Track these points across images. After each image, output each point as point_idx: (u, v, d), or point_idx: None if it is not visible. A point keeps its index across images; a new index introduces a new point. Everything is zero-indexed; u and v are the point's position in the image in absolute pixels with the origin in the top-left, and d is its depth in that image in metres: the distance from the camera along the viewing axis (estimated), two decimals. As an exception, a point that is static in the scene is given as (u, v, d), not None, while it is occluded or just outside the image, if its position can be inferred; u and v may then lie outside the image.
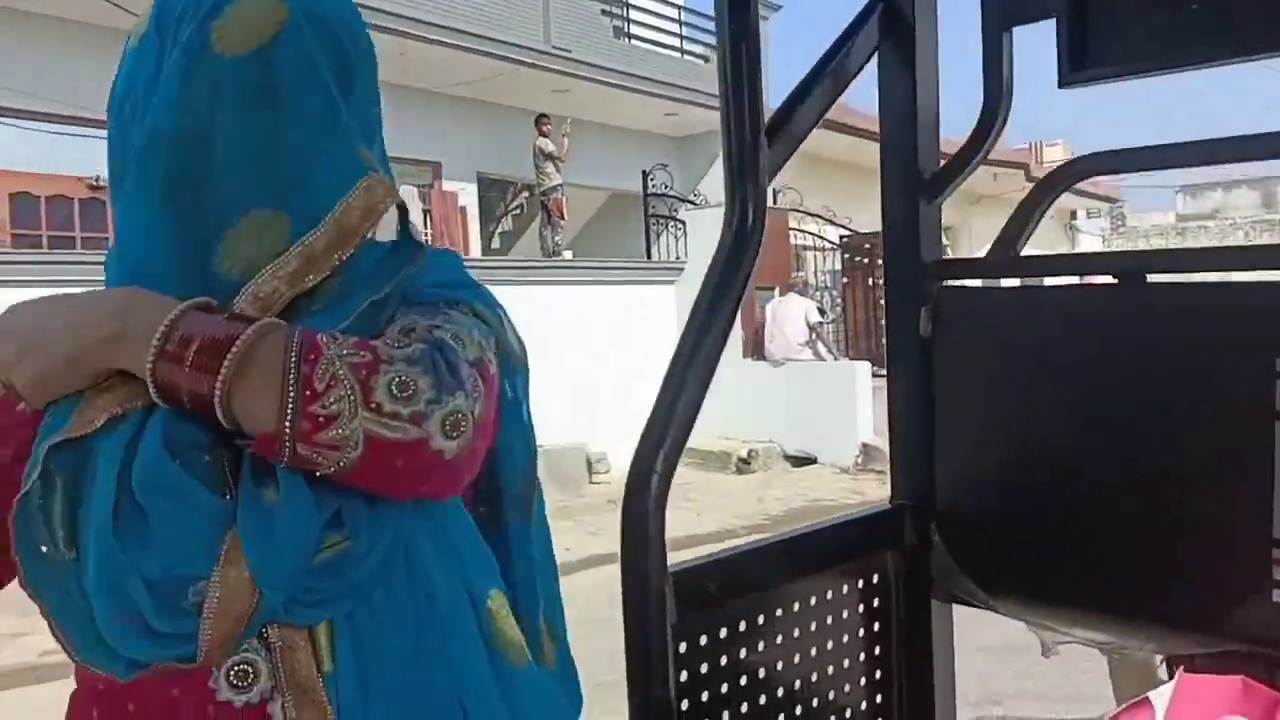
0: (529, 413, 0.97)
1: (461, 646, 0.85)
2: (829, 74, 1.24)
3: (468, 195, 12.54)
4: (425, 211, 11.59)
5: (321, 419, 0.74)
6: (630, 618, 1.04)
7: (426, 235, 11.36)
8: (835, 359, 11.68)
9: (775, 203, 13.02)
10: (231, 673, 0.79)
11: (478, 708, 0.85)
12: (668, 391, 1.06)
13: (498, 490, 0.94)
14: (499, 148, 12.60)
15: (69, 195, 9.45)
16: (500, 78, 11.44)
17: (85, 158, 8.35)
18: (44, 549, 0.77)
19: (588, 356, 10.43)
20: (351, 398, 0.74)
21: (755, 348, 11.38)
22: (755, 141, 1.11)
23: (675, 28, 14.32)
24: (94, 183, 9.26)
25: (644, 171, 12.93)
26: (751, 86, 1.08)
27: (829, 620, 1.27)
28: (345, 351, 0.76)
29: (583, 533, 7.93)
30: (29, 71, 8.54)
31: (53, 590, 0.77)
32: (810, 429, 10.56)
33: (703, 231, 11.55)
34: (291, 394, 0.74)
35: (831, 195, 13.78)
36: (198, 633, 0.76)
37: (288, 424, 0.74)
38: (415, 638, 0.83)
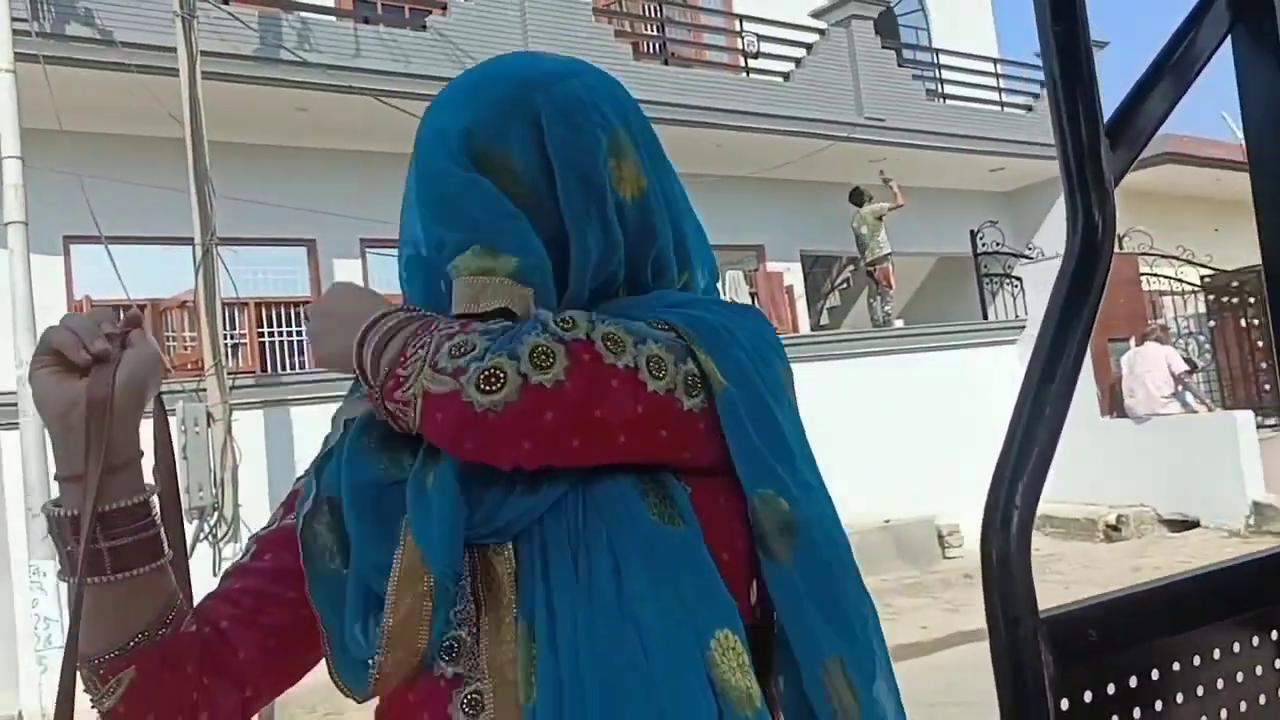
0: (757, 438, 0.88)
1: (673, 688, 0.82)
2: (1172, 66, 1.11)
3: (793, 274, 12.66)
4: (752, 294, 11.79)
5: (400, 377, 0.83)
6: (1001, 670, 0.95)
7: (755, 317, 11.52)
8: (1209, 410, 10.55)
9: (1121, 247, 12.11)
10: (465, 702, 0.85)
11: None
12: (1021, 417, 0.97)
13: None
14: (821, 224, 12.66)
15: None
16: (817, 155, 11.54)
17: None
18: (326, 563, 0.88)
19: (929, 425, 10.08)
20: (422, 359, 0.83)
21: (1112, 405, 10.52)
22: (1096, 142, 1.01)
23: (992, 81, 13.86)
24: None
25: (972, 231, 12.50)
26: (1086, 81, 0.99)
27: (1239, 678, 1.10)
28: (444, 325, 0.85)
29: (939, 609, 7.58)
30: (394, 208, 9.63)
31: (327, 607, 0.87)
32: (1188, 489, 9.56)
33: (1041, 286, 10.93)
34: (389, 359, 0.84)
35: (1186, 234, 12.65)
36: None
37: (379, 382, 0.85)
38: (617, 674, 0.81)
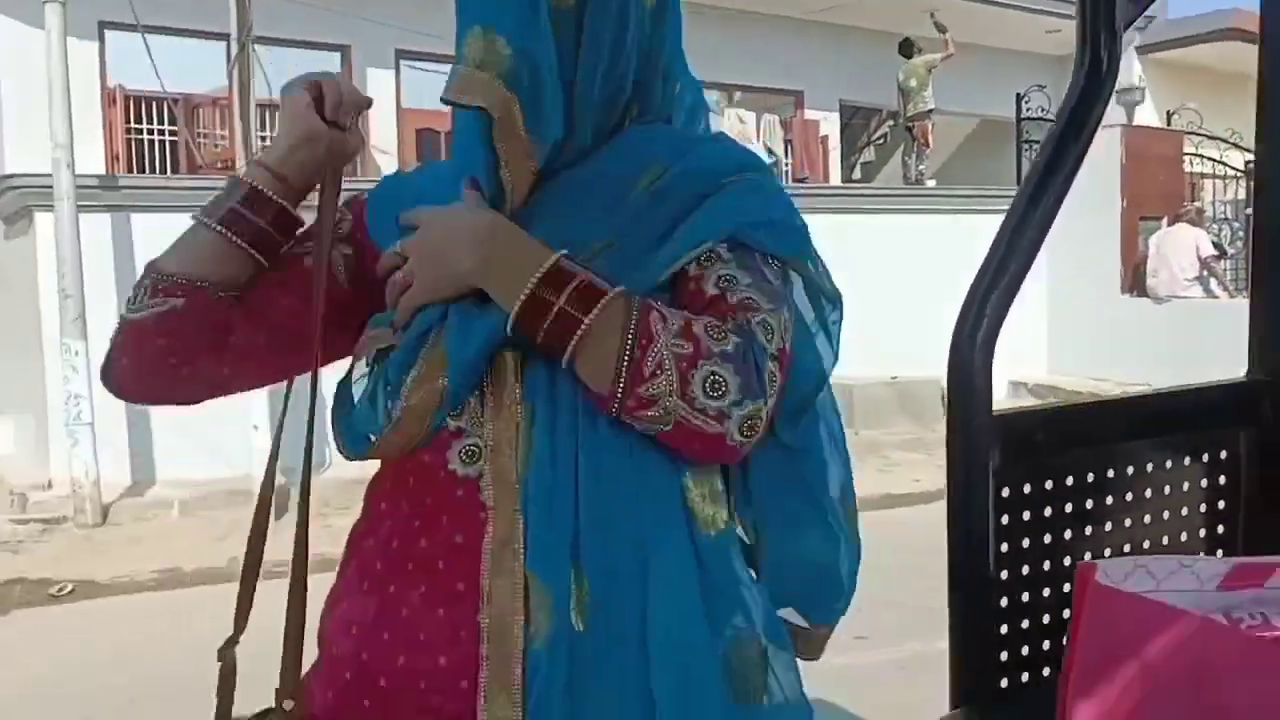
0: (834, 339, 1.05)
1: (654, 508, 0.95)
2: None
3: (829, 124, 12.45)
4: (787, 140, 11.65)
5: (645, 399, 0.89)
6: (953, 460, 1.07)
7: (787, 164, 11.43)
8: (1231, 297, 10.51)
9: (1169, 123, 11.84)
10: (463, 451, 0.96)
11: (661, 559, 0.94)
12: (1004, 236, 1.07)
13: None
14: (864, 74, 12.36)
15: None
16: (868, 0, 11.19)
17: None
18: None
19: (949, 287, 10.07)
20: (671, 386, 0.88)
21: (1134, 284, 10.49)
22: (1110, -16, 1.07)
23: (1061, -64, 13.27)
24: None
25: (1018, 95, 12.17)
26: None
27: (1167, 490, 1.22)
28: (672, 340, 0.89)
29: (933, 466, 7.78)
30: (434, 19, 9.46)
31: (346, 400, 1.01)
32: (1195, 373, 9.53)
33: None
34: (625, 376, 0.89)
35: (1240, 117, 12.26)
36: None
37: (618, 398, 0.90)
38: (612, 473, 0.94)
